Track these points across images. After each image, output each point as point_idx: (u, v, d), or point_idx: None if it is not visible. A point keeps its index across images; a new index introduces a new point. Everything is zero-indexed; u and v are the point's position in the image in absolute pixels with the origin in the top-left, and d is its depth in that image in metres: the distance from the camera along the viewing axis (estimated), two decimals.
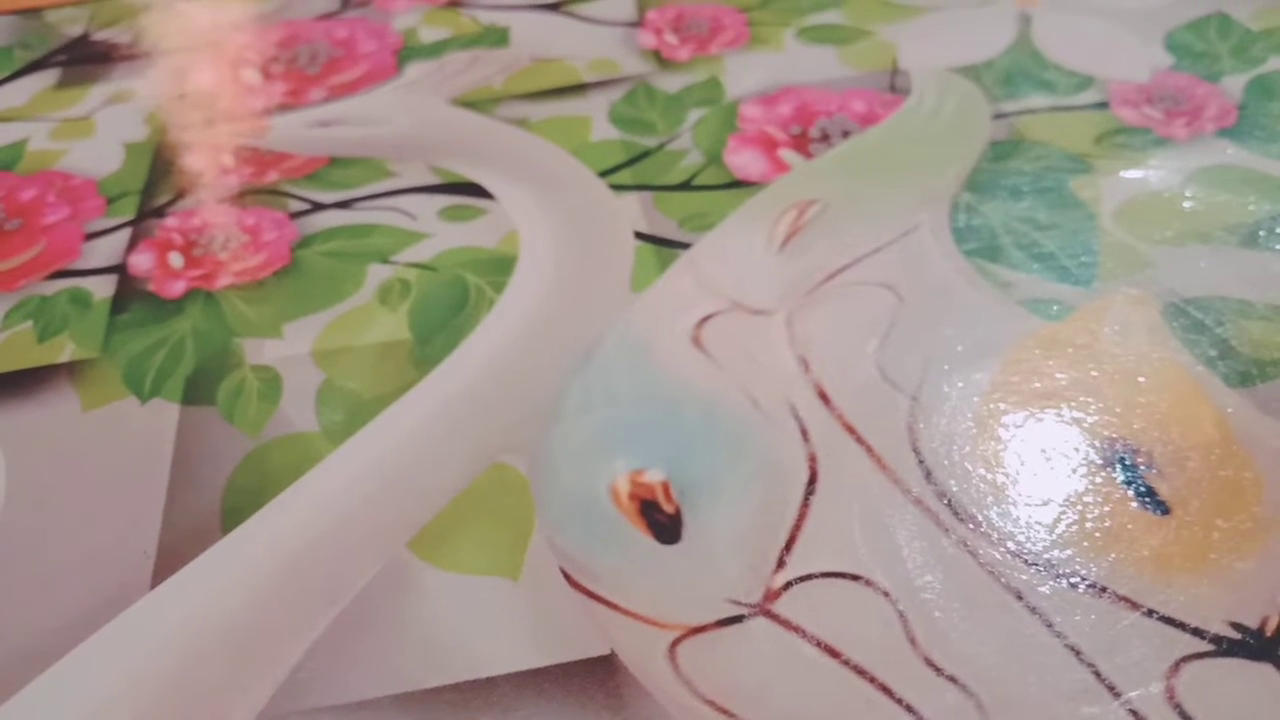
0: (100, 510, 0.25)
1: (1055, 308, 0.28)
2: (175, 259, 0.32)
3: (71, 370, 0.29)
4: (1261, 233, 0.29)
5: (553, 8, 0.42)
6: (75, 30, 0.43)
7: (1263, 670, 0.20)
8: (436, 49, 0.40)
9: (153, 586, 0.24)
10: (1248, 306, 0.27)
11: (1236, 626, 0.21)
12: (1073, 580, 0.22)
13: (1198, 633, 0.21)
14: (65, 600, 0.23)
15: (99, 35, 0.43)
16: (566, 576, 0.23)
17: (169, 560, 0.24)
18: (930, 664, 0.21)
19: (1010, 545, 0.23)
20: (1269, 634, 0.21)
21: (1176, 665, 0.20)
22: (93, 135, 0.37)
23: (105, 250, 0.32)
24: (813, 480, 0.24)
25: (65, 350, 0.29)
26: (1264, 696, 0.20)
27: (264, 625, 0.23)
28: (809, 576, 0.22)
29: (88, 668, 0.22)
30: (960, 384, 0.26)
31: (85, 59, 0.41)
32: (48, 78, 0.41)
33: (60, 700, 0.22)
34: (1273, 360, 0.26)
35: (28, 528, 0.25)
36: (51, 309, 0.30)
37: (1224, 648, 0.21)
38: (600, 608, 0.22)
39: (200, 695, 0.22)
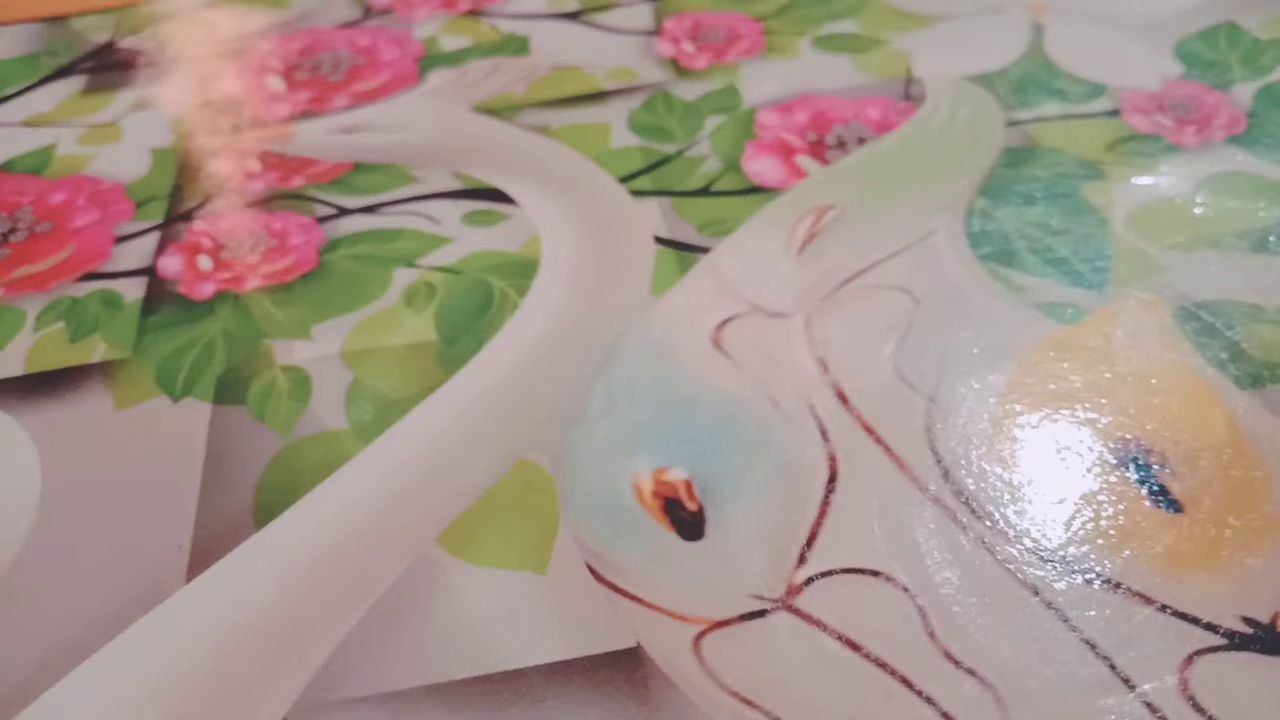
0: (134, 506, 0.26)
1: (1069, 311, 0.28)
2: (204, 262, 0.32)
3: (104, 370, 0.29)
4: (1271, 238, 0.30)
5: (572, 17, 0.43)
6: (101, 38, 0.44)
7: (1274, 664, 0.21)
8: (458, 57, 0.41)
9: (187, 581, 0.24)
10: (1258, 310, 0.28)
11: (1248, 621, 0.21)
12: (1088, 576, 0.22)
13: (1210, 627, 0.21)
14: (101, 595, 0.24)
15: (124, 43, 0.43)
16: (592, 571, 0.24)
17: (203, 556, 0.25)
18: (949, 657, 0.21)
19: (1027, 542, 0.23)
20: None
21: (1190, 659, 0.21)
22: (120, 140, 0.38)
23: (135, 253, 0.33)
24: (833, 479, 0.25)
25: (97, 351, 0.30)
26: (1276, 689, 0.20)
27: (297, 619, 0.23)
28: (830, 572, 0.23)
29: (124, 660, 0.23)
30: (976, 385, 0.27)
31: (111, 66, 0.42)
32: (74, 84, 0.41)
33: (97, 692, 0.22)
34: None
35: (63, 524, 0.26)
36: (83, 310, 0.31)
37: (1236, 642, 0.21)
38: (625, 602, 0.23)
39: (234, 687, 0.22)
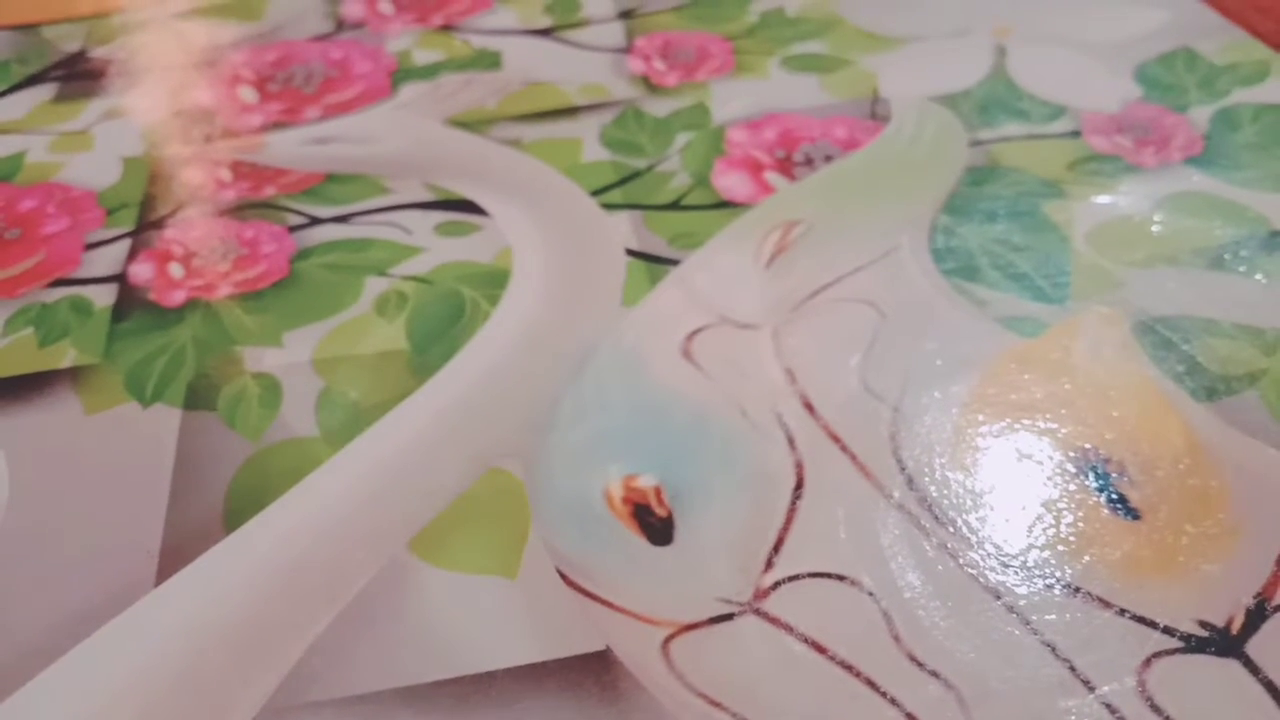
0: (104, 511, 0.26)
1: (1030, 325, 0.29)
2: (175, 269, 0.32)
3: (74, 376, 0.29)
4: (1227, 256, 0.31)
5: (544, 34, 0.43)
6: (72, 46, 0.44)
7: (1229, 665, 0.21)
8: (430, 71, 0.41)
9: (156, 585, 0.24)
10: (1214, 325, 0.29)
11: (1205, 625, 0.22)
12: (1048, 581, 0.23)
13: (1168, 631, 0.22)
14: (70, 599, 0.24)
15: (96, 52, 0.43)
16: (562, 576, 0.24)
17: (172, 560, 0.25)
18: (913, 659, 0.22)
19: (989, 548, 0.24)
20: (1235, 632, 0.22)
21: (1148, 661, 0.21)
22: (91, 148, 0.38)
23: (105, 260, 0.33)
24: (799, 486, 0.25)
25: (67, 356, 0.30)
26: (1231, 690, 0.21)
27: (266, 622, 0.23)
28: (797, 577, 0.23)
29: (93, 663, 0.23)
30: (940, 396, 0.27)
31: (83, 75, 0.42)
32: (45, 92, 0.41)
33: (66, 694, 0.22)
34: (1237, 376, 0.27)
35: (32, 527, 0.26)
36: (52, 316, 0.31)
37: (1193, 645, 0.22)
38: (595, 606, 0.23)
39: (204, 690, 0.22)
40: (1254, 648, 0.22)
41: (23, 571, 0.25)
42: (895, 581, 0.23)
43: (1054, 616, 0.22)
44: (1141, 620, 0.22)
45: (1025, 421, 0.26)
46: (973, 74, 0.39)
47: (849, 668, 0.22)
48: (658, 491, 0.25)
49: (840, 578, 0.23)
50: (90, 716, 0.22)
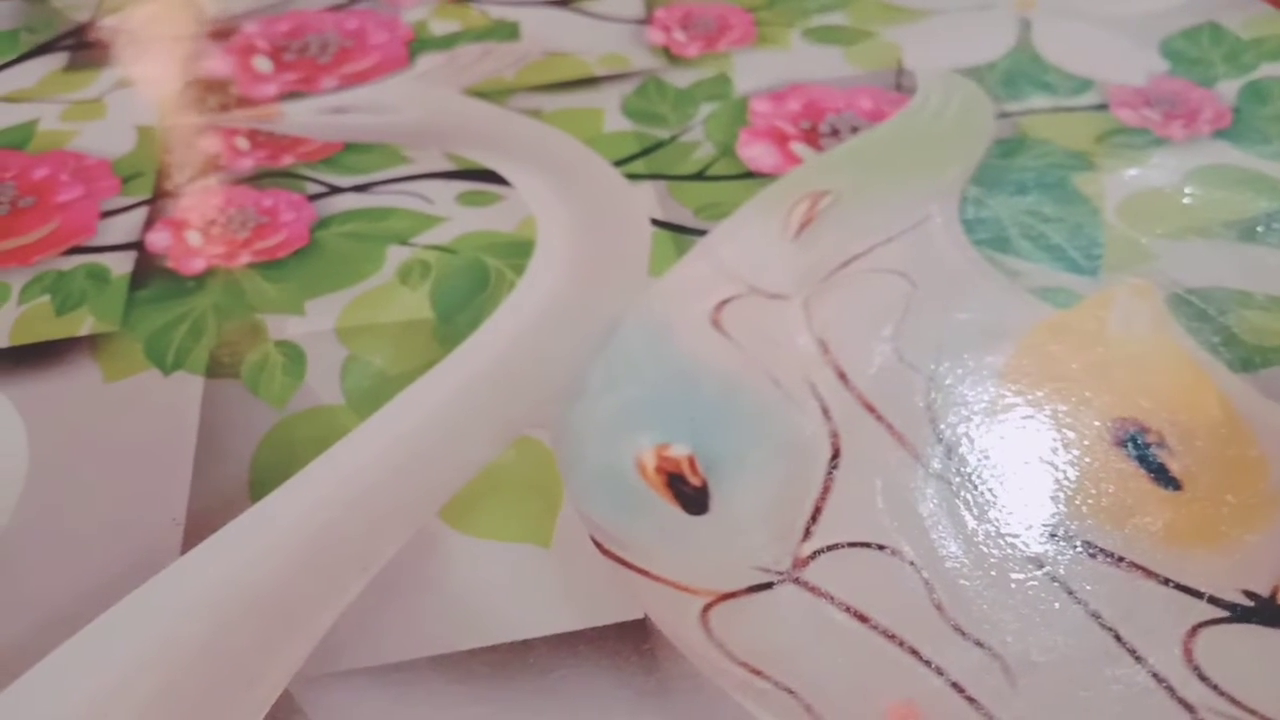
0: (127, 478, 0.25)
1: (1063, 296, 0.29)
2: (194, 237, 0.32)
3: (92, 343, 0.29)
4: (1259, 228, 0.30)
5: (562, 4, 0.43)
6: (82, 15, 0.43)
7: (1276, 636, 0.21)
8: (447, 42, 0.41)
9: (183, 553, 0.24)
10: (1247, 297, 0.28)
11: (1249, 594, 0.22)
12: (1091, 551, 0.23)
13: (1212, 600, 0.22)
14: (94, 567, 0.24)
15: (107, 21, 0.43)
16: (597, 544, 0.23)
17: (198, 528, 0.24)
18: (957, 629, 0.21)
19: (1030, 517, 0.23)
20: None
21: (1193, 630, 0.21)
22: (104, 117, 0.37)
23: (122, 228, 0.32)
24: (836, 456, 0.25)
25: (85, 324, 0.29)
26: (1278, 659, 0.21)
27: (294, 591, 0.23)
28: (836, 546, 0.23)
29: (119, 631, 0.22)
30: (975, 366, 0.27)
31: (94, 44, 0.41)
32: (56, 60, 0.41)
33: (92, 662, 0.22)
34: (1273, 347, 0.27)
35: (54, 495, 0.25)
36: (69, 283, 0.31)
37: (1238, 614, 0.21)
38: (631, 574, 0.23)
39: (231, 659, 0.22)
40: None
41: (46, 539, 0.24)
42: (936, 551, 0.23)
43: (1098, 586, 0.22)
44: (1185, 590, 0.22)
45: (1062, 392, 0.26)
46: (998, 47, 0.39)
47: (891, 636, 0.21)
48: (691, 461, 0.25)
49: (880, 547, 0.23)
50: (115, 685, 0.21)
